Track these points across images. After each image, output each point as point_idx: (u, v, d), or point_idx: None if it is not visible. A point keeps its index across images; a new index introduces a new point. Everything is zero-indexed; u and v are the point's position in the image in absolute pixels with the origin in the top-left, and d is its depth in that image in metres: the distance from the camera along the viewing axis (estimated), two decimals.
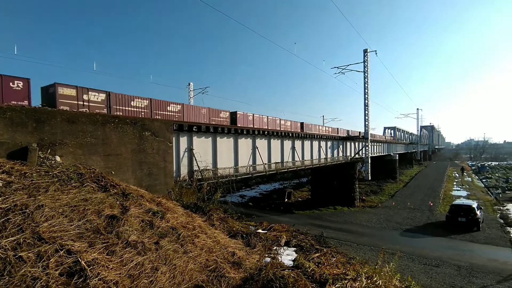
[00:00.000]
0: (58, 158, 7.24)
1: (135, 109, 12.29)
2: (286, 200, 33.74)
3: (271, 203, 32.50)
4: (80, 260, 4.28)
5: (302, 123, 25.07)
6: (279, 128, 21.21)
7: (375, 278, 5.34)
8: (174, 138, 12.33)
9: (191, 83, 42.66)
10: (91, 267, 4.25)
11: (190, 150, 13.56)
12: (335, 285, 5.28)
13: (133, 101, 12.33)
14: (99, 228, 5.26)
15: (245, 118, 18.66)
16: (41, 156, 6.79)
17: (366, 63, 30.35)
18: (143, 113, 12.50)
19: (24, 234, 4.42)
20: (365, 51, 30.45)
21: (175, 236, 6.27)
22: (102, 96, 11.41)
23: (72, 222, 5.11)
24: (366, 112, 31.06)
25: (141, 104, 12.62)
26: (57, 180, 6.11)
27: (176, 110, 14.48)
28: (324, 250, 8.60)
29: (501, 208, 28.11)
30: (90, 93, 10.85)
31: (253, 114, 19.49)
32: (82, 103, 10.47)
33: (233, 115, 18.04)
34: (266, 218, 19.97)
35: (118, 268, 4.55)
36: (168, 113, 13.99)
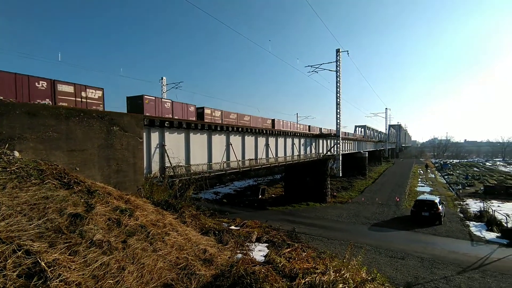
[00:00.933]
0: (16, 154, 6.79)
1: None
2: (260, 196, 33.94)
3: (245, 200, 32.58)
4: (39, 261, 4.04)
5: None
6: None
7: (343, 271, 5.48)
8: (144, 133, 11.98)
9: (164, 77, 41.60)
10: (52, 268, 4.02)
11: (162, 146, 13.24)
12: (304, 279, 5.36)
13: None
14: (61, 227, 5.00)
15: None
16: None
17: (338, 63, 31.04)
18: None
19: None
20: (338, 51, 31.12)
21: (144, 235, 6.09)
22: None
23: (32, 221, 4.81)
24: (338, 110, 31.82)
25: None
26: (15, 176, 5.73)
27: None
28: (295, 245, 8.73)
29: (461, 203, 29.95)
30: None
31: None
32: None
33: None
34: (240, 215, 20.00)
35: (81, 268, 4.34)
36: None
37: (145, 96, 13.82)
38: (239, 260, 6.13)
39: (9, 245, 4.17)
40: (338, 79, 31.21)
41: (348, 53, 31.34)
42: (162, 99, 15.16)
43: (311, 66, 32.79)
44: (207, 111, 17.57)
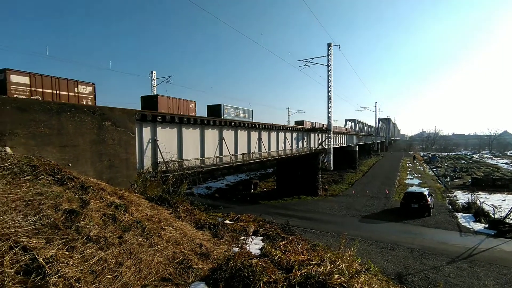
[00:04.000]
0: (8, 150, 6.68)
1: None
2: (252, 191, 34.09)
3: (238, 194, 32.68)
4: (37, 257, 4.02)
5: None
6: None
7: (338, 262, 5.61)
8: (137, 128, 11.88)
9: (154, 71, 41.16)
10: (50, 264, 4.01)
11: (154, 141, 13.16)
12: (300, 271, 5.47)
13: None
14: (57, 223, 4.97)
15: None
16: None
17: (330, 57, 31.16)
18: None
19: None
20: (329, 45, 31.20)
21: (140, 230, 6.10)
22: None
23: (27, 217, 4.77)
24: (330, 104, 32.04)
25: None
26: (8, 173, 5.65)
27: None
28: (290, 238, 8.85)
29: (450, 195, 30.65)
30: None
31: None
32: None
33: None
34: (233, 209, 20.07)
35: (79, 264, 4.34)
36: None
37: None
38: (236, 253, 6.19)
39: (5, 242, 4.13)
40: (330, 73, 31.36)
41: (339, 47, 31.47)
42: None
43: (302, 60, 32.85)
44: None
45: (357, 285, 4.72)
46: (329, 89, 31.65)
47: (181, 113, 15.12)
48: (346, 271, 5.07)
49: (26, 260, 3.99)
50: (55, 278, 3.86)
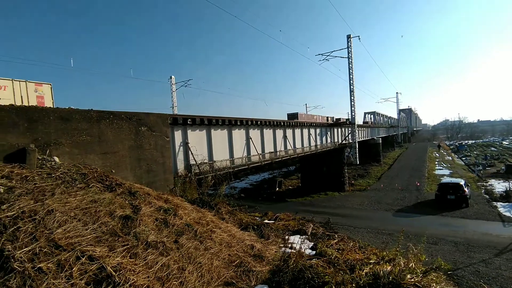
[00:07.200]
0: (56, 159, 6.74)
1: None
2: (277, 189, 33.82)
3: (263, 193, 32.49)
4: (105, 266, 3.96)
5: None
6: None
7: (405, 261, 5.30)
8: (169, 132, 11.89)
9: (172, 77, 41.60)
10: (118, 273, 3.94)
11: (185, 144, 13.15)
12: (362, 270, 5.19)
13: None
14: (115, 230, 4.92)
15: None
16: (39, 157, 6.29)
17: (350, 49, 30.44)
18: None
19: (39, 243, 4.03)
20: (349, 36, 30.48)
21: (192, 233, 6.00)
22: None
23: (87, 225, 4.74)
24: (352, 97, 31.31)
25: None
26: (61, 182, 5.67)
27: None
28: (336, 236, 8.57)
29: (484, 184, 29.27)
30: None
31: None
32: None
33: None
34: (261, 208, 19.89)
35: (145, 271, 4.25)
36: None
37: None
38: (290, 254, 5.98)
39: (71, 252, 4.10)
40: (351, 65, 30.64)
41: (359, 39, 30.71)
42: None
43: (322, 54, 32.29)
44: None
45: (434, 284, 4.39)
46: (351, 81, 30.92)
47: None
48: (418, 270, 4.74)
49: (94, 270, 3.93)
50: (126, 287, 3.78)
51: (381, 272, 4.85)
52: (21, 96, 11.34)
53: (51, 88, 12.73)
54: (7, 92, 11.01)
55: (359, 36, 30.66)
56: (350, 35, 30.47)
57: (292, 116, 27.22)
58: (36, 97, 11.98)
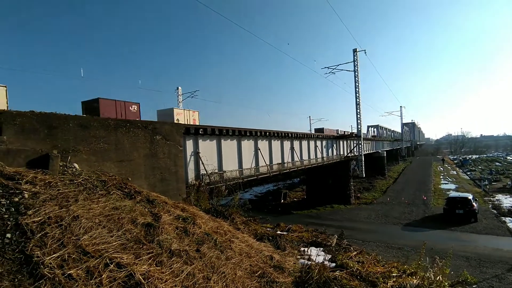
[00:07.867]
0: (76, 166, 6.76)
1: None
2: (283, 201, 33.60)
3: (268, 205, 32.26)
4: (133, 273, 3.91)
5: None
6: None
7: (428, 274, 5.20)
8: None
9: (179, 87, 42.00)
10: (147, 281, 3.89)
11: (196, 153, 13.17)
12: (386, 284, 5.10)
13: None
14: (139, 237, 4.88)
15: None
16: (60, 164, 6.30)
17: (356, 62, 30.72)
18: None
19: (67, 249, 3.99)
20: (355, 50, 30.82)
21: (212, 243, 5.94)
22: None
23: (112, 232, 4.71)
24: (358, 110, 31.42)
25: None
26: (83, 188, 5.66)
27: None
28: (351, 248, 8.45)
29: (492, 199, 28.98)
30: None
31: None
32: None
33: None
34: (267, 220, 19.66)
35: (172, 280, 4.19)
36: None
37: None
38: (310, 265, 5.90)
39: (99, 259, 4.06)
40: (357, 79, 30.87)
41: (365, 53, 31.04)
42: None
43: (327, 67, 32.60)
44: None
45: None
46: (357, 95, 31.10)
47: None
48: (446, 283, 4.65)
49: (123, 277, 3.88)
50: None
51: (408, 285, 4.76)
52: None
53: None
54: None
55: (365, 50, 31.03)
56: (356, 49, 30.81)
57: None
58: None
